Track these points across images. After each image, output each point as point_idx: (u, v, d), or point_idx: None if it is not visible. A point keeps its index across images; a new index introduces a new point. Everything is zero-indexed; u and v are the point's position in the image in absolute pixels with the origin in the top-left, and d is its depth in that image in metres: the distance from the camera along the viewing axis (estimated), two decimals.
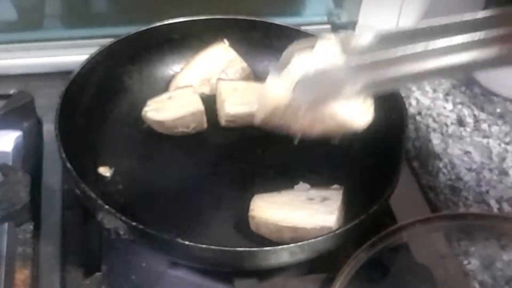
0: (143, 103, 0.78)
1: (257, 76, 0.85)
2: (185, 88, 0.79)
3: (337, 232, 0.61)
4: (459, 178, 0.79)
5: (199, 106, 0.77)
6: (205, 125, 0.78)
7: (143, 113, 0.77)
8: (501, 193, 0.77)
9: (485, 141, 0.85)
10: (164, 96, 0.79)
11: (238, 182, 0.74)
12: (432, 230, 0.70)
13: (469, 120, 0.88)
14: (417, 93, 0.91)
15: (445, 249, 0.71)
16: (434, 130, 0.86)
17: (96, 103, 0.77)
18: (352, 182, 0.73)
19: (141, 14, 0.96)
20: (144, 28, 0.82)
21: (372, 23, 0.97)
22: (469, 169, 0.80)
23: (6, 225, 0.69)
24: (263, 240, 0.66)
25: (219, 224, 0.69)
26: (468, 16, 0.52)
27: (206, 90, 0.83)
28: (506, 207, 0.75)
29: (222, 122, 0.79)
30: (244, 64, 0.83)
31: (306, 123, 0.61)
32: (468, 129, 0.86)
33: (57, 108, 0.69)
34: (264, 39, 0.86)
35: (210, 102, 0.80)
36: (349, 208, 0.68)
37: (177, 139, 0.78)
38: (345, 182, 0.72)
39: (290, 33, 0.84)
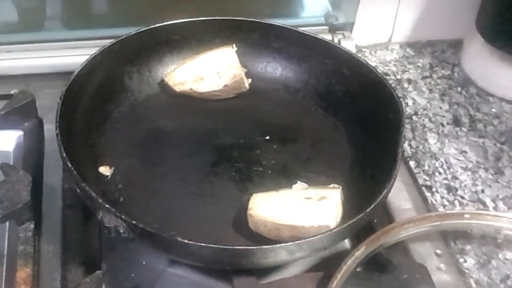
0: (143, 103, 0.78)
1: (252, 77, 0.85)
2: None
3: (334, 230, 0.61)
4: (455, 177, 0.79)
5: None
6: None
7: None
8: (496, 192, 0.78)
9: (480, 140, 0.85)
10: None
11: (237, 182, 0.74)
12: (429, 229, 0.70)
13: (465, 120, 0.88)
14: (413, 93, 0.92)
15: (442, 247, 0.71)
16: (431, 130, 0.86)
17: (96, 103, 0.77)
18: (350, 181, 0.73)
19: (141, 15, 0.97)
20: (144, 28, 0.82)
21: (369, 24, 0.98)
22: (465, 169, 0.81)
23: (7, 224, 0.70)
24: (261, 239, 0.66)
25: (218, 223, 0.69)
26: None
27: (196, 87, 0.82)
28: (501, 206, 0.76)
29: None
30: (237, 72, 0.82)
31: None
32: (464, 129, 0.87)
33: (57, 108, 0.69)
34: (262, 40, 0.86)
35: (195, 99, 0.81)
36: (347, 207, 0.68)
37: (177, 139, 0.78)
38: (342, 182, 0.72)
39: (288, 34, 0.85)
